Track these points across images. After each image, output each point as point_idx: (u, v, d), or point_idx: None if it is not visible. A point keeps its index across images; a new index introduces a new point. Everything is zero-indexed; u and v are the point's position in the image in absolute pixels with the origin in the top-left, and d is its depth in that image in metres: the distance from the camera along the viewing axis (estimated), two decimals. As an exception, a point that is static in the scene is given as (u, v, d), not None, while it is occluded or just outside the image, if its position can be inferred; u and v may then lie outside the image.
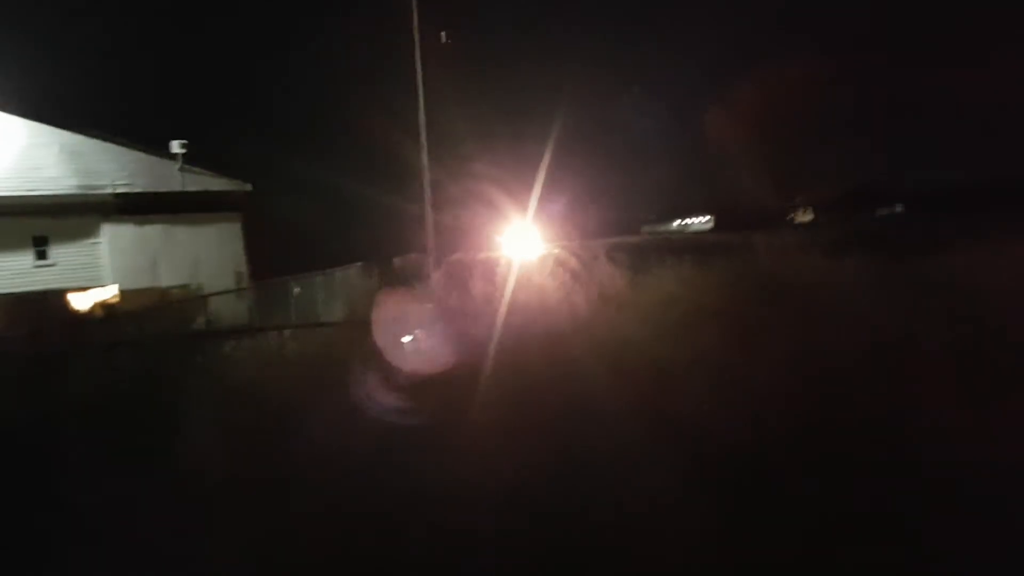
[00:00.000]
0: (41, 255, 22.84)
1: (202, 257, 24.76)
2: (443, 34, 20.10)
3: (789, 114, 34.09)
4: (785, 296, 10.18)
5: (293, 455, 5.94)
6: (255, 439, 6.40)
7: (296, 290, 19.71)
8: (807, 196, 37.86)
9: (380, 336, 8.88)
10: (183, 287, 23.22)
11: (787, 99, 34.34)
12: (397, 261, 24.51)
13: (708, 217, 49.66)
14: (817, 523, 4.73)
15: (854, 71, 35.00)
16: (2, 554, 5.02)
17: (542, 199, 19.65)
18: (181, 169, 25.00)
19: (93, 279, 22.73)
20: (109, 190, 23.76)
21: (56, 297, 18.79)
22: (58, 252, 23.10)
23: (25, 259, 22.49)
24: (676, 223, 53.93)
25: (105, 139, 24.01)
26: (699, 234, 44.93)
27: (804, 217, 39.70)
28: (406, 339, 8.72)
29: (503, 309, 9.26)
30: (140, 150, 24.70)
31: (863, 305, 9.40)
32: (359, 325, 10.53)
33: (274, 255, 24.79)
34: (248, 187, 26.11)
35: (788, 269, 11.97)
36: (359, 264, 22.50)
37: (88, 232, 23.68)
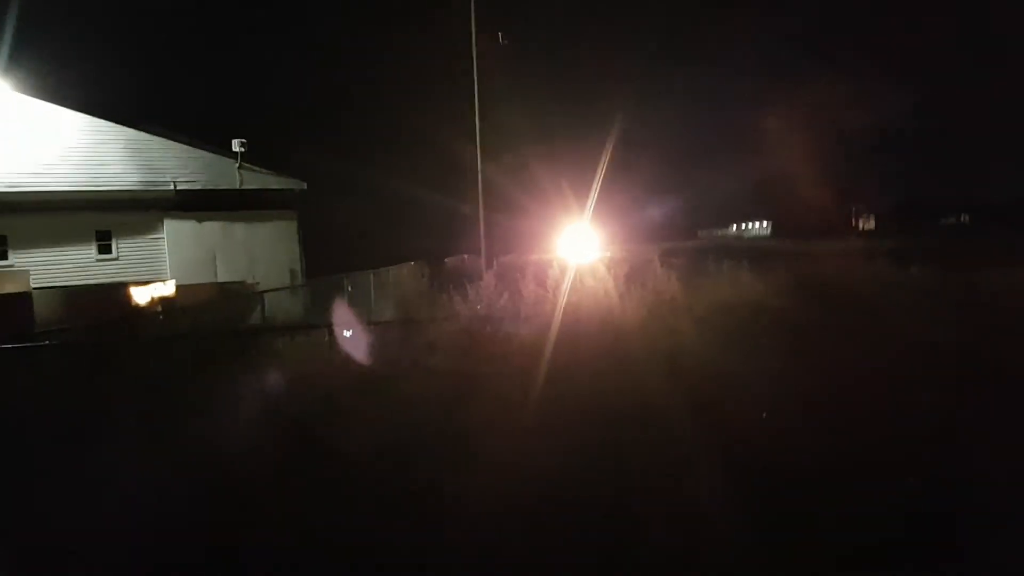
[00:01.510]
0: (104, 249, 23.45)
1: (258, 254, 25.16)
2: (500, 35, 20.08)
3: (854, 121, 33.25)
4: (845, 305, 9.90)
5: (339, 453, 5.90)
6: (304, 436, 6.37)
7: (349, 288, 19.83)
8: (869, 204, 36.97)
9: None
10: (239, 283, 23.59)
11: (853, 106, 33.50)
12: (448, 261, 24.55)
13: (767, 223, 48.81)
14: (864, 545, 4.54)
15: (923, 79, 33.95)
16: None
17: (598, 202, 19.44)
18: (240, 167, 25.43)
19: (153, 273, 23.22)
20: (171, 186, 24.28)
21: (117, 290, 19.18)
22: (120, 246, 23.69)
23: (88, 252, 23.11)
24: (734, 228, 53.11)
25: (167, 136, 24.54)
26: (757, 240, 44.23)
27: (866, 225, 38.71)
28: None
29: (556, 311, 9.10)
30: (201, 148, 25.18)
31: (924, 317, 9.12)
32: (409, 323, 10.48)
33: (328, 253, 25.06)
34: (304, 186, 26.47)
35: (848, 278, 11.65)
36: (411, 263, 22.60)
37: (150, 227, 24.23)
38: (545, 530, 4.71)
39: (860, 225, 38.75)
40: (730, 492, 5.03)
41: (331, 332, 10.30)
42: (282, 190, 26.25)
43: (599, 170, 19.72)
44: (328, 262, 23.45)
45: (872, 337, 8.20)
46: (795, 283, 11.14)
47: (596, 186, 19.36)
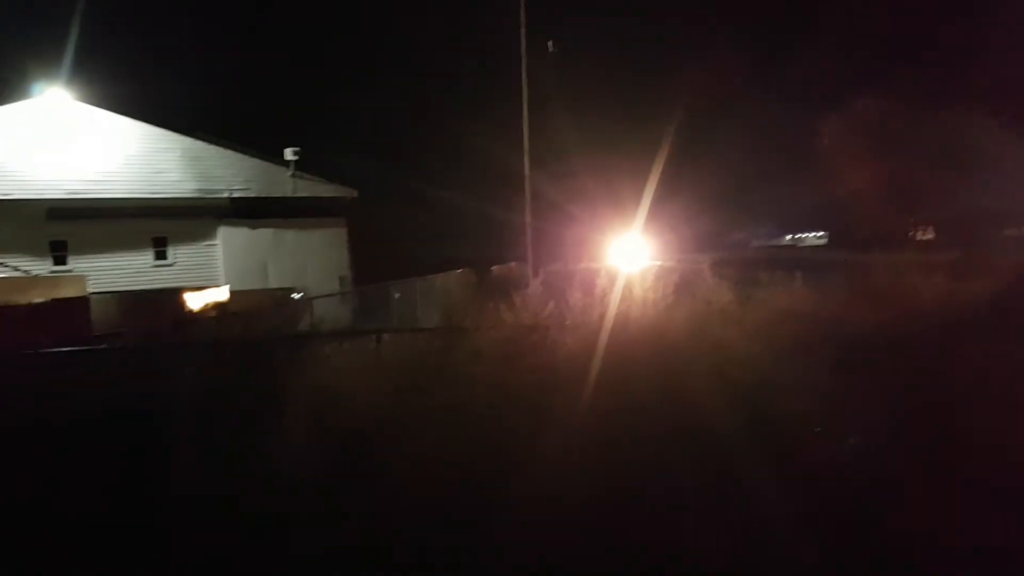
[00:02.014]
0: (160, 255, 23.99)
1: (309, 261, 25.47)
2: (550, 43, 20.02)
3: (912, 129, 32.38)
4: (903, 317, 9.63)
5: (385, 459, 5.89)
6: (349, 442, 6.38)
7: (396, 295, 19.94)
8: (928, 214, 35.87)
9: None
10: (290, 289, 23.90)
11: (911, 114, 32.65)
12: (496, 269, 24.54)
13: (822, 233, 47.81)
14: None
15: (982, 86, 32.97)
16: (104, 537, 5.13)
17: (648, 211, 19.23)
18: (292, 175, 25.83)
19: (207, 279, 23.64)
20: (226, 194, 24.76)
21: (172, 295, 19.59)
22: (176, 252, 24.21)
23: (145, 258, 23.67)
24: (788, 238, 52.09)
25: (223, 145, 25.03)
26: (812, 250, 43.40)
27: (924, 235, 37.63)
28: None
29: (603, 321, 8.99)
30: (255, 156, 25.65)
31: (985, 329, 8.83)
32: (455, 331, 10.47)
33: (376, 260, 25.24)
34: (355, 193, 26.78)
35: (907, 289, 11.34)
36: (458, 271, 22.64)
37: (205, 234, 24.73)
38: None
39: (918, 236, 37.64)
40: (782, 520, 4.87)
41: (378, 338, 10.33)
42: (332, 198, 26.59)
43: (650, 179, 19.51)
44: (376, 269, 23.61)
45: (930, 351, 7.93)
46: (850, 294, 10.87)
47: (647, 195, 19.16)
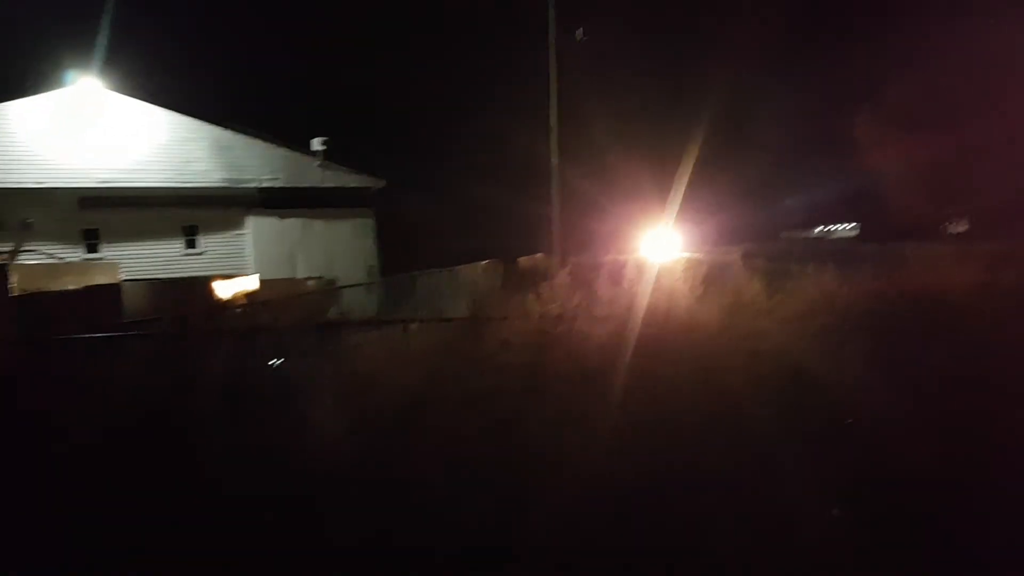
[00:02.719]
0: (190, 244, 24.27)
1: (336, 251, 25.64)
2: (578, 31, 19.89)
3: (946, 118, 31.87)
4: (936, 311, 9.50)
5: (414, 447, 5.90)
6: (379, 429, 6.41)
7: (423, 285, 19.96)
8: (962, 205, 35.29)
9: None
10: (317, 279, 24.06)
11: (945, 102, 32.14)
12: (522, 260, 24.48)
13: (853, 224, 47.27)
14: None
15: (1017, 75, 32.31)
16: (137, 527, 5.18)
17: (678, 202, 19.08)
18: (320, 165, 25.97)
19: (236, 268, 23.87)
20: (255, 184, 24.97)
21: (202, 284, 19.78)
22: (206, 241, 24.47)
23: (175, 247, 23.96)
24: (818, 229, 51.50)
25: (251, 135, 25.20)
26: (843, 241, 42.99)
27: (958, 228, 37.06)
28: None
29: (631, 312, 8.95)
30: (283, 146, 25.80)
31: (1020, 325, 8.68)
32: (482, 321, 10.46)
33: (403, 250, 25.34)
34: (382, 183, 26.89)
35: (940, 282, 11.17)
36: (485, 262, 22.61)
37: (234, 223, 24.96)
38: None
39: (951, 228, 37.07)
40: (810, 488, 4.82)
41: (405, 328, 10.37)
42: (360, 188, 26.72)
43: (680, 171, 19.36)
44: (403, 259, 23.70)
45: (969, 345, 7.80)
46: (883, 286, 10.73)
47: (677, 187, 19.01)
